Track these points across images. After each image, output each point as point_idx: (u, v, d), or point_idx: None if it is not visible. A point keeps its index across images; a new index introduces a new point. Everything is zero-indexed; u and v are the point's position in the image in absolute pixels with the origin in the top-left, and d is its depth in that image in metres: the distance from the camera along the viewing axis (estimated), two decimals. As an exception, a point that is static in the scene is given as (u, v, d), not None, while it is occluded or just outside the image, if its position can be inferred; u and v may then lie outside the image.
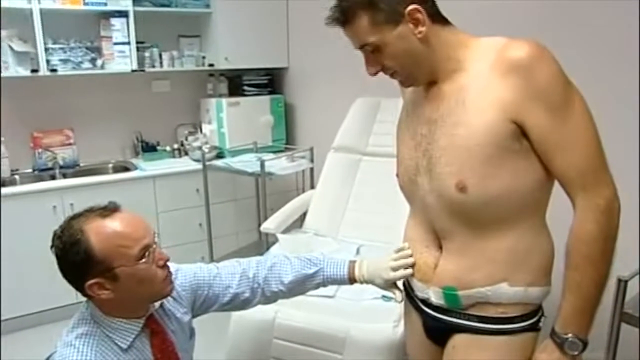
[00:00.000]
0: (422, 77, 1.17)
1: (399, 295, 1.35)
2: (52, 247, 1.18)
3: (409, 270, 1.29)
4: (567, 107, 1.05)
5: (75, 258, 1.14)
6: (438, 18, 1.12)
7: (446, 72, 1.14)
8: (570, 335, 1.12)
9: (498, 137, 1.06)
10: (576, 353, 1.12)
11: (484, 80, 1.07)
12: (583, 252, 1.08)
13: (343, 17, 1.13)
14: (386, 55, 1.12)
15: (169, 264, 1.27)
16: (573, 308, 1.11)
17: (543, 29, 2.11)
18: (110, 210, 1.20)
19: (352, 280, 1.41)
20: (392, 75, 1.18)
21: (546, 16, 2.14)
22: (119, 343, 1.21)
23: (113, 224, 1.17)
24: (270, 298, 1.47)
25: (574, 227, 1.09)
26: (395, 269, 1.31)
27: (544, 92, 1.03)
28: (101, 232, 1.15)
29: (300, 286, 1.45)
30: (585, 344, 1.12)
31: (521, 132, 1.07)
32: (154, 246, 1.21)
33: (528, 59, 1.03)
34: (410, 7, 1.06)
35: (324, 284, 1.45)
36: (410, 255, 1.30)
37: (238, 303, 1.46)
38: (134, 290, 1.19)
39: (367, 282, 1.39)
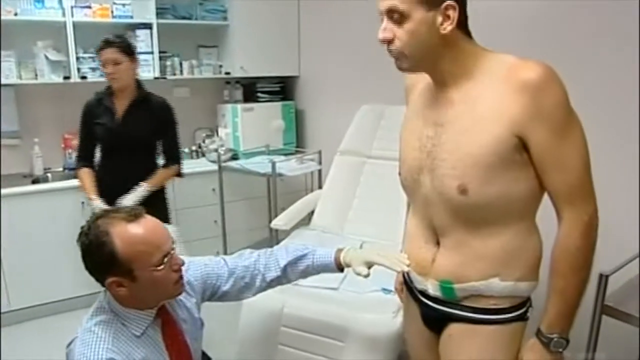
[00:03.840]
0: (422, 68, 1.15)
1: (364, 271, 1.38)
2: (78, 241, 1.19)
3: (397, 265, 1.31)
4: (567, 130, 1.06)
5: (100, 258, 1.15)
6: (464, 27, 1.11)
7: (453, 77, 1.13)
8: (555, 335, 1.14)
9: (502, 149, 1.07)
10: (560, 350, 1.15)
11: (494, 94, 1.07)
12: (569, 261, 1.10)
13: None
14: (405, 29, 1.07)
15: (182, 256, 1.29)
16: (558, 311, 1.13)
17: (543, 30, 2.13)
18: (135, 215, 1.19)
19: (337, 261, 1.43)
20: (396, 54, 1.12)
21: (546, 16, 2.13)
22: (133, 331, 1.23)
23: (137, 230, 1.17)
24: (270, 283, 1.48)
25: (560, 238, 1.11)
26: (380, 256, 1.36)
27: (549, 114, 1.04)
28: (125, 236, 1.15)
29: (293, 267, 1.46)
30: (568, 342, 1.15)
31: (523, 145, 1.08)
32: (172, 252, 1.22)
33: (539, 80, 1.03)
34: (449, 2, 1.04)
35: (314, 266, 1.46)
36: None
37: (238, 289, 1.47)
38: (148, 290, 1.21)
39: (346, 265, 1.42)
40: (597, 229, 1.11)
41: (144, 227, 1.18)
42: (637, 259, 1.60)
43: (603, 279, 1.42)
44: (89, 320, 1.23)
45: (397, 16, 1.07)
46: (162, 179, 2.49)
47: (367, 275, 1.37)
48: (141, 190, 2.37)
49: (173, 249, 1.23)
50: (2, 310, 2.86)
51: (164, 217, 2.50)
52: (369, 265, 1.38)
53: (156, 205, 2.33)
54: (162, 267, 1.18)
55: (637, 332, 1.70)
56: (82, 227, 1.20)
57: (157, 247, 1.18)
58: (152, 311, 1.26)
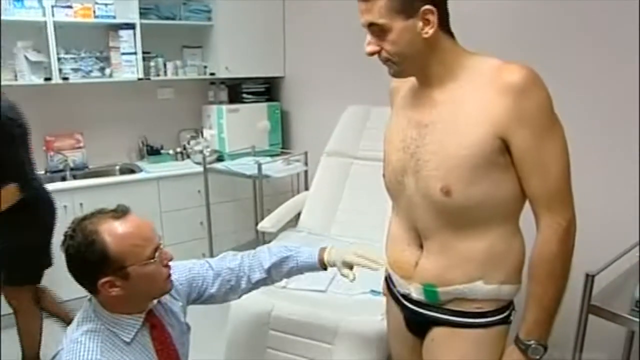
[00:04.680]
0: (412, 72, 1.16)
1: (350, 275, 1.40)
2: (63, 246, 1.16)
3: (373, 265, 1.37)
4: (549, 134, 1.07)
5: (91, 257, 1.13)
6: (446, 28, 1.11)
7: (439, 78, 1.13)
8: (533, 342, 1.15)
9: (486, 151, 1.07)
10: (538, 357, 1.16)
11: (478, 96, 1.07)
12: (546, 268, 1.11)
13: None
14: (388, 40, 1.09)
15: None
16: (535, 318, 1.14)
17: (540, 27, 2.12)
18: (120, 212, 1.19)
19: (321, 262, 1.45)
20: (384, 62, 1.14)
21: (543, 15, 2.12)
22: (123, 337, 1.20)
23: (125, 225, 1.16)
24: (255, 284, 1.49)
25: (538, 245, 1.12)
26: (357, 255, 1.39)
27: (531, 117, 1.04)
28: (115, 232, 1.14)
29: (278, 270, 1.47)
30: (545, 349, 1.16)
31: (506, 148, 1.08)
32: (161, 246, 1.22)
33: (522, 83, 1.03)
34: (426, 6, 1.05)
35: (300, 269, 1.47)
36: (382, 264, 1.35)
37: (224, 291, 1.46)
38: (141, 287, 1.19)
39: (330, 264, 1.45)
40: (575, 235, 1.12)
41: (132, 222, 1.18)
42: (638, 252, 1.62)
43: (589, 279, 1.43)
44: (75, 331, 1.19)
45: (378, 29, 1.09)
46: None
47: (353, 279, 1.38)
48: None
49: (161, 243, 1.23)
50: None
51: (34, 242, 2.26)
52: (349, 266, 1.40)
53: (17, 228, 2.15)
54: (153, 260, 1.18)
55: (622, 331, 1.72)
56: (65, 233, 1.18)
57: (148, 239, 1.18)
58: (140, 315, 1.24)
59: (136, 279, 1.16)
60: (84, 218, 1.19)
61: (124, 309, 1.21)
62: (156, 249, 1.20)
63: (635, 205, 1.85)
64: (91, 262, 1.14)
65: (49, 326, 2.53)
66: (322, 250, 1.46)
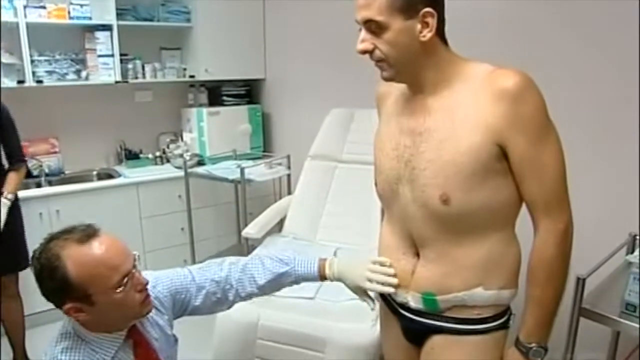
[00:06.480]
0: (405, 76, 1.14)
1: (371, 303, 1.33)
2: (30, 266, 1.12)
3: (389, 289, 1.24)
4: (545, 139, 1.07)
5: (52, 284, 1.08)
6: (442, 34, 1.10)
7: (432, 85, 1.12)
8: (534, 344, 1.15)
9: (483, 157, 1.06)
10: (539, 359, 1.16)
11: (473, 102, 1.07)
12: (545, 271, 1.11)
13: None
14: (384, 39, 1.06)
15: (148, 272, 1.23)
16: (535, 321, 1.15)
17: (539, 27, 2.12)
18: (89, 235, 1.11)
19: (322, 277, 1.37)
20: (377, 62, 1.12)
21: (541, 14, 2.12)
22: (103, 356, 1.15)
23: (91, 251, 1.09)
24: (245, 298, 1.42)
25: (536, 248, 1.12)
26: (370, 280, 1.27)
27: (527, 122, 1.04)
28: (78, 259, 1.07)
29: (273, 285, 1.41)
30: (546, 351, 1.16)
31: (503, 153, 1.07)
32: (133, 271, 1.15)
33: (517, 89, 1.03)
34: (427, 9, 1.03)
35: (297, 281, 1.40)
36: (394, 275, 1.24)
37: (210, 304, 1.40)
38: (111, 313, 1.13)
39: (337, 280, 1.34)
40: (572, 237, 1.12)
41: (99, 247, 1.10)
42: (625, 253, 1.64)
43: (580, 282, 1.44)
44: (54, 348, 1.14)
45: (375, 27, 1.06)
46: (17, 183, 2.37)
47: (373, 309, 1.35)
48: (5, 201, 2.28)
49: (135, 267, 1.16)
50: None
51: (21, 229, 2.42)
52: (365, 292, 1.32)
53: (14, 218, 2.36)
54: (121, 288, 1.11)
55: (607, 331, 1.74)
56: (34, 251, 1.12)
57: (114, 268, 1.10)
58: (121, 333, 1.19)
59: (104, 305, 1.10)
60: (52, 238, 1.13)
61: (100, 329, 1.16)
62: (126, 275, 1.12)
63: (622, 205, 1.88)
64: (53, 288, 1.09)
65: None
66: (322, 262, 1.37)
